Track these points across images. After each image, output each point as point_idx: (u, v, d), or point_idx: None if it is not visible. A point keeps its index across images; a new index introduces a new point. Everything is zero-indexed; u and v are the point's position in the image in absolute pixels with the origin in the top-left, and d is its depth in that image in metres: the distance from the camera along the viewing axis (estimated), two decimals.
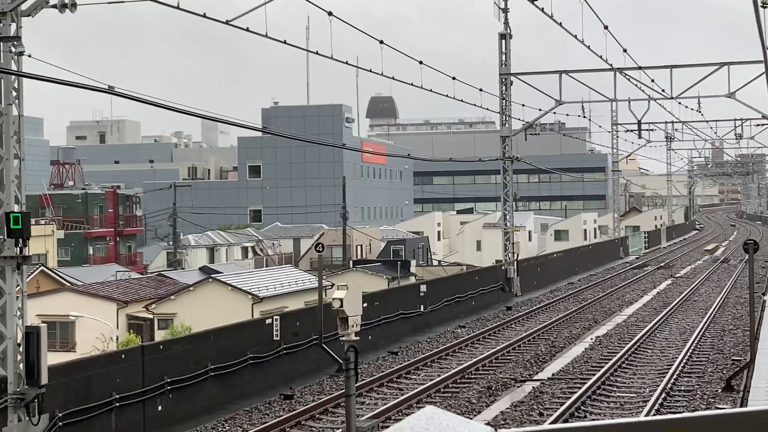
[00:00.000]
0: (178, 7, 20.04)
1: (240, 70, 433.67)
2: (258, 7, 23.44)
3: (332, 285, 35.81)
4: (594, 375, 23.41)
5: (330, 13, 25.70)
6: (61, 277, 48.10)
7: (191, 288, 41.46)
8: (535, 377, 24.02)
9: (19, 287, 17.87)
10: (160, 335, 37.70)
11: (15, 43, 18.84)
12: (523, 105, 51.43)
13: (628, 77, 48.11)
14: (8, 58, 18.77)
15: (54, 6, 19.18)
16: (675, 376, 23.54)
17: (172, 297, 41.16)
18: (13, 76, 18.60)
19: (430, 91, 38.91)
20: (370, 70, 33.49)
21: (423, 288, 35.31)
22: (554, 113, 53.15)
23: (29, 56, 19.57)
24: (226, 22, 22.86)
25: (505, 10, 45.52)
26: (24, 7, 19.13)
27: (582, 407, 20.62)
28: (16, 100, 18.70)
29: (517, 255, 46.78)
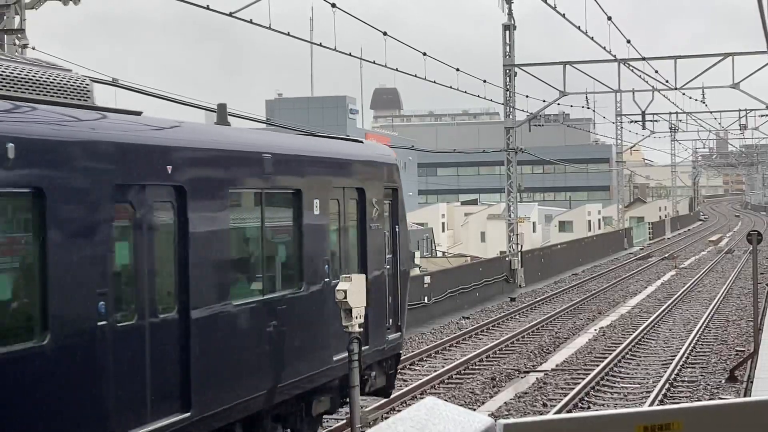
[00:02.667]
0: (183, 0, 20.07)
1: (243, 61, 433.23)
2: None
3: None
4: (598, 366, 23.46)
5: (333, 5, 25.72)
6: None
7: None
8: (539, 368, 24.07)
9: None
10: None
11: (19, 35, 18.89)
12: (527, 96, 51.48)
13: (631, 68, 48.09)
14: (12, 51, 18.81)
15: None
16: (679, 367, 23.57)
17: None
18: None
19: (434, 82, 38.96)
20: (374, 62, 33.53)
21: (427, 279, 35.34)
22: (558, 104, 53.18)
23: (33, 48, 19.63)
24: (230, 14, 22.91)
25: (509, 2, 45.49)
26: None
27: (585, 398, 20.67)
28: None
29: (522, 246, 46.80)
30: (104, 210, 10.26)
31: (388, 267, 16.91)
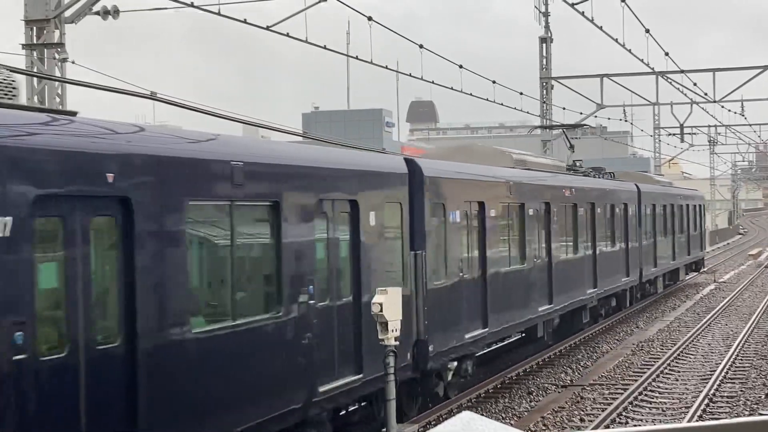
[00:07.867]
0: (218, 14, 20.20)
1: (276, 74, 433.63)
2: (297, 13, 23.57)
3: None
4: (636, 381, 23.26)
5: (370, 18, 25.79)
6: None
7: None
8: (577, 383, 23.90)
9: None
10: None
11: (59, 49, 19.06)
12: (564, 108, 51.26)
13: (670, 81, 47.80)
14: (52, 65, 18.99)
15: (97, 13, 19.39)
16: (718, 382, 23.32)
17: None
18: (57, 83, 18.81)
19: (471, 95, 38.89)
20: (410, 75, 33.54)
21: None
22: (595, 117, 52.92)
23: (72, 63, 19.80)
24: (267, 28, 23.01)
25: (546, 14, 45.38)
26: (67, 14, 19.35)
27: (624, 413, 20.49)
28: (60, 107, 18.91)
29: None
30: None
31: (697, 231, 40.92)
